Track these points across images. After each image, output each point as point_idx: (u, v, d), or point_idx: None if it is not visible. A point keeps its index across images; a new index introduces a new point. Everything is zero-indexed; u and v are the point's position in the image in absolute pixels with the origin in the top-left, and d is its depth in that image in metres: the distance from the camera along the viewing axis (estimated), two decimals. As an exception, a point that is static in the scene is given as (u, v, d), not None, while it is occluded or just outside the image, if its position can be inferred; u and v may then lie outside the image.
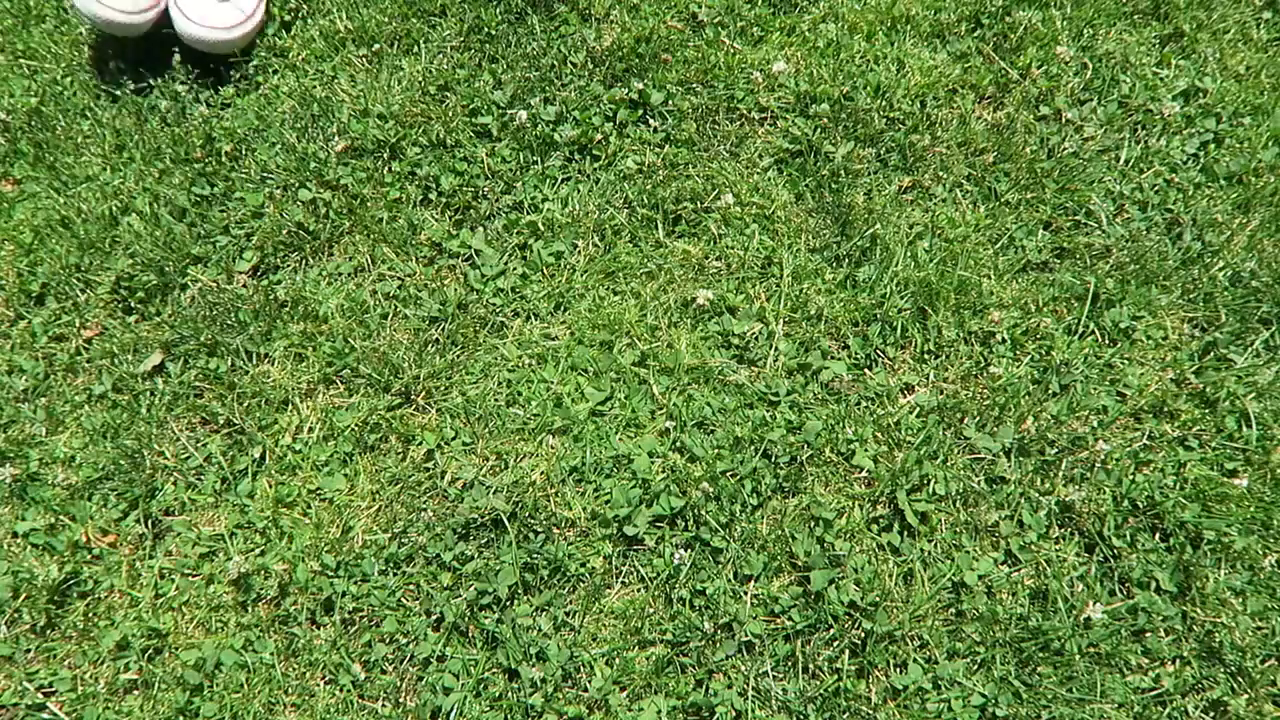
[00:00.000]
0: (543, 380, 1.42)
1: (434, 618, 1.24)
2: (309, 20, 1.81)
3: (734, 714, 1.18)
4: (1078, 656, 1.20)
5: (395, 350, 1.43)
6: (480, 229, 1.57)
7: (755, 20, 1.79)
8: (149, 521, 1.32)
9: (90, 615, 1.25)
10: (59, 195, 1.63)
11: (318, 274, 1.53)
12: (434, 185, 1.61)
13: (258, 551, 1.29)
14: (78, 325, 1.49)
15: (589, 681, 1.20)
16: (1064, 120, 1.69)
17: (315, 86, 1.71)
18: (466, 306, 1.49)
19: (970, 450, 1.35)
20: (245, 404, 1.40)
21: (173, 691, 1.19)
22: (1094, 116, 1.70)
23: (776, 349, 1.44)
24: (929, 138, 1.65)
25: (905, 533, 1.29)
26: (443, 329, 1.46)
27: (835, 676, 1.20)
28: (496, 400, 1.40)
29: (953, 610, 1.24)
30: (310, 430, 1.39)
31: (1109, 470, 1.33)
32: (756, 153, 1.64)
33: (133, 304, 1.51)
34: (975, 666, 1.20)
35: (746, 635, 1.21)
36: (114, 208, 1.59)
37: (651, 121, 1.67)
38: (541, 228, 1.56)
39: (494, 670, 1.21)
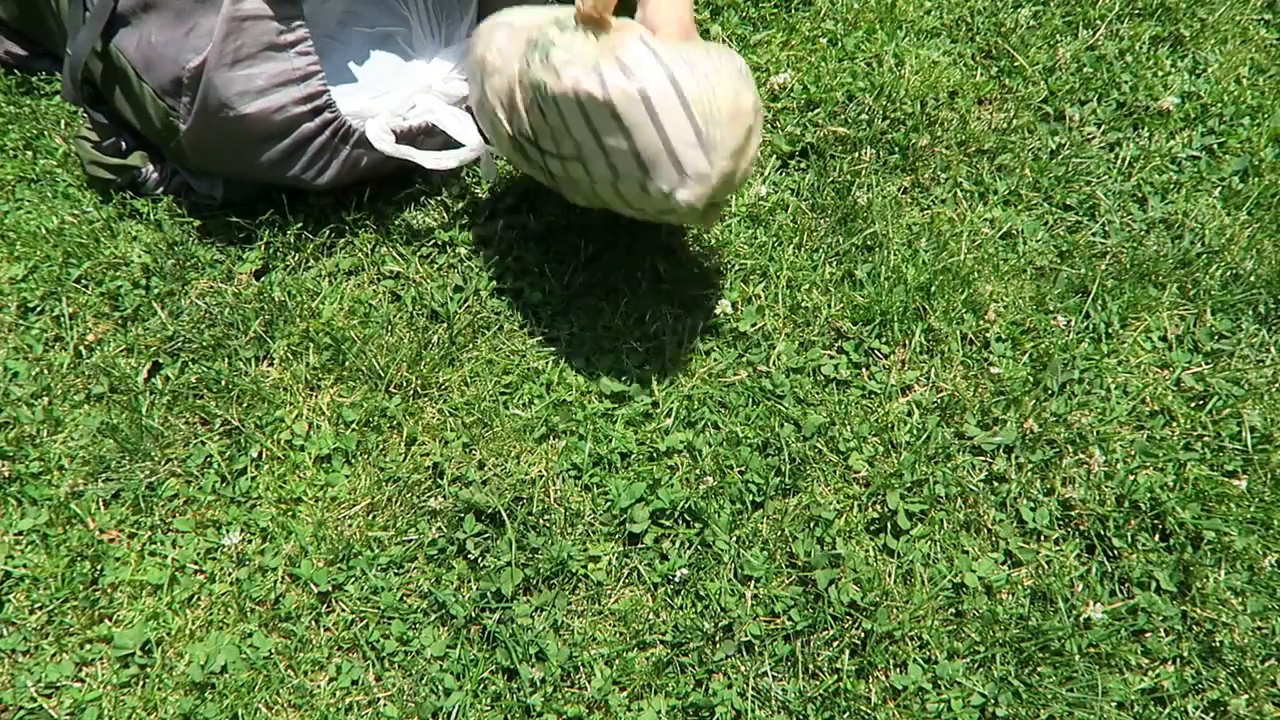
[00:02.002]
0: (543, 380, 1.42)
1: (435, 617, 1.24)
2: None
3: (734, 714, 1.18)
4: (1078, 656, 1.20)
5: (395, 350, 1.43)
6: (482, 229, 1.57)
7: (759, 19, 1.79)
8: (148, 520, 1.32)
9: (90, 613, 1.25)
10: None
11: (317, 273, 1.53)
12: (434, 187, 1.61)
13: (258, 551, 1.29)
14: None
15: (589, 681, 1.20)
16: (1064, 120, 1.69)
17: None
18: (467, 306, 1.49)
19: (970, 450, 1.35)
20: (245, 404, 1.40)
21: (173, 691, 1.19)
22: (1094, 116, 1.70)
23: (776, 347, 1.44)
24: (929, 137, 1.65)
25: (904, 533, 1.29)
26: (443, 328, 1.46)
27: (835, 676, 1.20)
28: (497, 400, 1.40)
29: (953, 610, 1.24)
30: (310, 430, 1.39)
31: (1109, 470, 1.33)
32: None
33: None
34: (975, 666, 1.21)
35: (746, 635, 1.21)
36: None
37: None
38: (542, 228, 1.56)
39: (494, 670, 1.21)
